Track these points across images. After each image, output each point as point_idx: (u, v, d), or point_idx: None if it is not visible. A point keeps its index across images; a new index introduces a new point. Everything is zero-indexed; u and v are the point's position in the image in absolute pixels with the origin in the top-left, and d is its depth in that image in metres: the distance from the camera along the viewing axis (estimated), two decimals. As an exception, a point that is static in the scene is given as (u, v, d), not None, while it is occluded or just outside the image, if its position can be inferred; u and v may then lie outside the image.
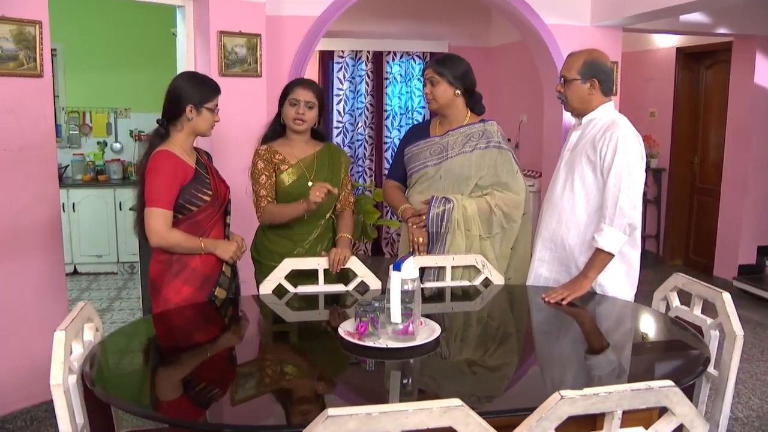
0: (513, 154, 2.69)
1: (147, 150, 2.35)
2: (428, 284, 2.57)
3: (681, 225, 6.24)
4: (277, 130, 2.69)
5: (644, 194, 6.13)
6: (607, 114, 2.39)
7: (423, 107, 7.11)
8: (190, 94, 2.30)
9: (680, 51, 5.95)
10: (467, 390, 1.68)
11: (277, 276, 2.46)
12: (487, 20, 6.79)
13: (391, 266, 1.87)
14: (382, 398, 1.68)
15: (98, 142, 6.07)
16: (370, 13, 6.57)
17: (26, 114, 2.86)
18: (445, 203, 2.58)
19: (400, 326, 1.89)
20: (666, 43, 6.09)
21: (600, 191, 2.34)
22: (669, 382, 1.34)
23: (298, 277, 2.53)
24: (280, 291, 2.48)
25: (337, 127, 6.82)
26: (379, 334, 1.90)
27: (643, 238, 6.45)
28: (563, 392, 1.28)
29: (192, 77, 2.38)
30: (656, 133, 6.20)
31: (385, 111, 6.92)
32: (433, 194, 2.62)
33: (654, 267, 6.29)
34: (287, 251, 2.61)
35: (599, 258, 2.30)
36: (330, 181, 2.69)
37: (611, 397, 1.31)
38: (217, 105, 2.36)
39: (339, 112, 6.85)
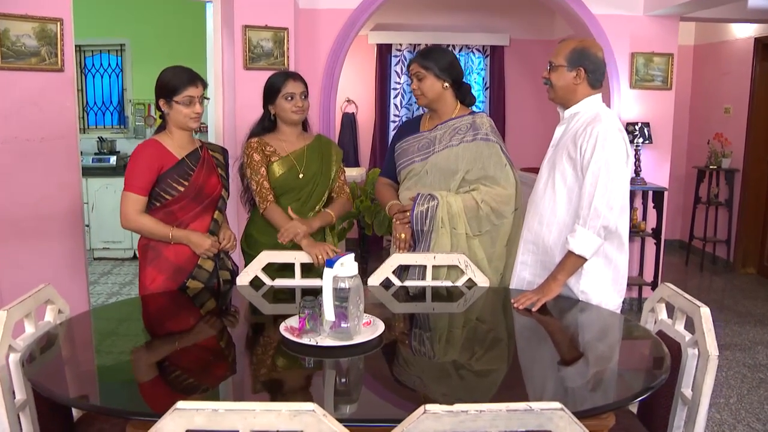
0: (502, 147, 2.58)
1: None
2: (408, 283, 2.51)
3: (755, 230, 5.73)
4: (267, 126, 2.70)
5: (715, 196, 5.77)
6: (591, 108, 2.23)
7: (482, 101, 6.94)
8: (160, 88, 2.35)
9: (759, 41, 5.45)
10: (398, 393, 1.63)
11: (254, 268, 2.48)
12: (550, 12, 6.50)
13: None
14: (304, 398, 1.65)
15: (159, 133, 6.36)
16: (429, 6, 6.48)
17: (48, 106, 3.05)
18: (430, 200, 2.50)
19: (344, 325, 1.85)
20: (743, 33, 5.60)
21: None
22: (556, 404, 1.23)
23: (280, 269, 2.56)
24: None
25: (394, 121, 6.79)
26: (319, 331, 1.88)
27: (713, 243, 6.01)
28: (429, 407, 1.20)
29: (170, 70, 2.39)
30: (730, 131, 5.73)
31: (443, 105, 6.83)
32: (419, 191, 2.55)
33: (724, 274, 5.85)
34: (278, 245, 2.62)
35: (570, 261, 2.16)
36: (319, 174, 2.71)
37: (483, 416, 1.21)
38: (192, 97, 2.36)
39: (396, 106, 6.81)
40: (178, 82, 2.35)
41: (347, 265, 1.84)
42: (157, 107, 2.40)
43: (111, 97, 6.37)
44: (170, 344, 2.01)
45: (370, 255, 4.56)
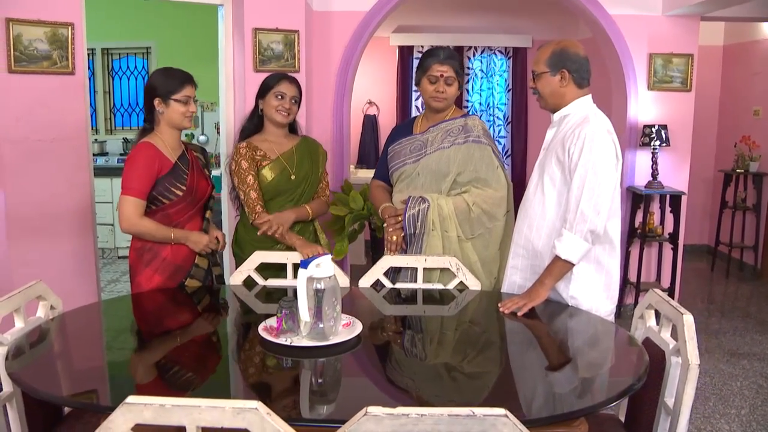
0: (494, 149, 2.56)
1: (133, 143, 2.48)
2: (399, 285, 2.51)
3: (784, 237, 5.55)
4: (256, 124, 2.74)
5: (742, 200, 5.61)
6: (581, 110, 2.20)
7: (504, 104, 6.89)
8: (156, 87, 2.40)
9: (789, 41, 5.28)
10: (366, 395, 1.64)
11: (247, 267, 2.51)
12: (572, 13, 6.41)
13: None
14: (269, 397, 1.66)
15: (186, 134, 6.48)
16: (451, 7, 6.45)
17: (59, 108, 3.13)
18: (421, 203, 2.50)
19: (320, 325, 1.86)
20: (773, 32, 5.43)
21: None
22: (500, 410, 1.21)
23: (272, 270, 2.59)
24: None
25: (415, 123, 6.78)
26: (296, 331, 1.89)
27: (741, 249, 5.83)
28: (370, 409, 1.20)
29: (162, 71, 2.45)
30: (758, 134, 5.56)
31: (465, 107, 6.78)
32: (410, 193, 2.55)
33: (750, 281, 5.68)
34: (268, 246, 2.64)
35: (557, 265, 2.13)
36: (310, 173, 2.74)
37: (425, 420, 1.20)
38: (189, 96, 2.41)
39: (417, 108, 6.80)
40: (176, 80, 2.41)
41: (323, 266, 1.85)
42: (148, 108, 2.44)
43: (138, 98, 6.52)
44: (153, 343, 2.05)
45: (380, 256, 4.56)
